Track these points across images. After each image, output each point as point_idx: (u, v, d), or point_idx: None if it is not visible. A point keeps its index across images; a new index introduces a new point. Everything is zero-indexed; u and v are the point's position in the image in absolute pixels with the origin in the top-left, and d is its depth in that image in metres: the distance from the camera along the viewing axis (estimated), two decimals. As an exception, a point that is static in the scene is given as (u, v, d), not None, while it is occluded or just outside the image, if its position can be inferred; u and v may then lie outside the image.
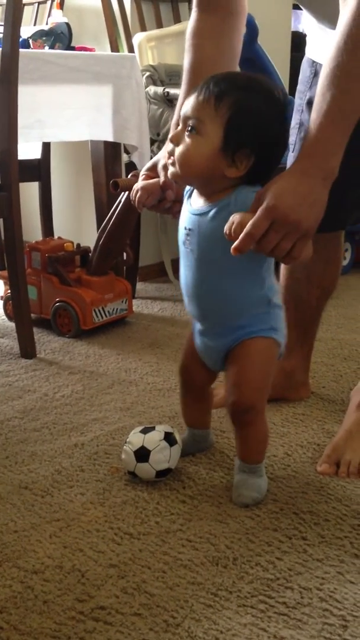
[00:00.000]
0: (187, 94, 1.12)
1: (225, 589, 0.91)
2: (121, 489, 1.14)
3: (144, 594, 0.90)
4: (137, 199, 1.11)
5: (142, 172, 1.15)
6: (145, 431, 1.15)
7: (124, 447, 1.15)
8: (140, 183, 1.12)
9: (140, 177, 1.14)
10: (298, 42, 2.90)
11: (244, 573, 0.94)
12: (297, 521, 1.06)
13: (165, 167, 1.09)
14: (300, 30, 3.13)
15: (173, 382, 1.58)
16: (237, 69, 1.22)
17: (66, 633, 0.83)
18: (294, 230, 0.94)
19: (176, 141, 0.99)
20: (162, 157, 1.12)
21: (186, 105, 1.00)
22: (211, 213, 1.00)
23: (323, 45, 1.26)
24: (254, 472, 1.12)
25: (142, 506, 1.09)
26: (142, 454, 1.12)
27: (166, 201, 1.11)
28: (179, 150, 0.99)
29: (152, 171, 1.14)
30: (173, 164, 1.00)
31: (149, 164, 1.16)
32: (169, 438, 1.14)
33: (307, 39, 1.33)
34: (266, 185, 0.97)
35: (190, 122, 0.98)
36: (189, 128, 0.98)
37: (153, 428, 1.16)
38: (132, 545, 1.00)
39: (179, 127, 1.01)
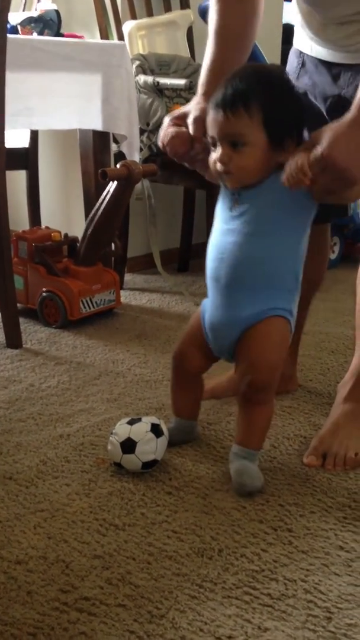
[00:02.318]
0: (214, 56, 1.17)
1: (210, 581, 0.91)
2: (107, 480, 1.14)
3: (128, 585, 0.90)
4: (171, 146, 1.14)
5: (170, 119, 1.16)
6: (131, 422, 1.15)
7: (110, 438, 1.15)
8: (172, 131, 1.14)
9: (167, 123, 1.16)
10: (289, 34, 2.88)
11: (229, 564, 0.94)
12: (283, 513, 1.06)
13: (196, 121, 1.11)
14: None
15: (160, 374, 1.57)
16: (258, 30, 1.23)
17: (49, 624, 0.83)
18: (342, 178, 0.98)
19: (228, 160, 1.03)
20: (193, 109, 1.14)
21: (215, 124, 1.04)
22: (268, 181, 1.05)
23: (310, 35, 1.25)
24: (252, 459, 1.12)
25: (128, 497, 1.09)
26: (129, 445, 1.12)
27: (193, 151, 1.13)
28: (234, 165, 1.03)
29: (181, 120, 1.14)
30: (227, 173, 1.05)
31: (176, 113, 1.16)
32: (155, 429, 1.14)
33: (295, 29, 1.32)
34: (321, 130, 1.01)
35: (232, 140, 1.03)
36: (233, 145, 1.03)
37: (140, 419, 1.15)
38: (117, 537, 0.99)
39: (222, 146, 1.03)
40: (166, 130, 1.15)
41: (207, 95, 1.12)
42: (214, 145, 1.06)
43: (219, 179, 1.09)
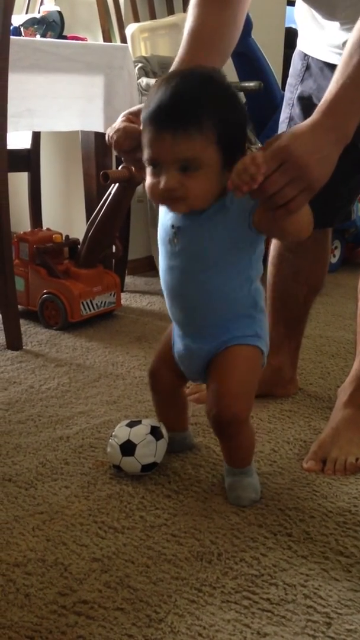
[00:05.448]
0: (183, 57, 1.11)
1: (209, 585, 0.90)
2: (106, 483, 1.13)
3: (127, 588, 0.89)
4: (115, 140, 1.05)
5: (124, 114, 1.08)
6: (131, 425, 1.14)
7: (110, 440, 1.14)
8: (120, 124, 1.06)
9: (121, 118, 1.08)
10: (291, 38, 2.89)
11: (228, 569, 0.94)
12: (283, 517, 1.05)
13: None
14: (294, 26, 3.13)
15: (160, 376, 1.57)
16: (236, 40, 1.18)
17: (47, 627, 0.82)
18: (300, 177, 0.91)
19: (180, 186, 0.92)
20: None
21: (158, 147, 0.91)
22: (208, 213, 0.97)
23: (315, 38, 1.25)
24: (245, 473, 1.10)
25: (127, 500, 1.08)
26: (128, 448, 1.11)
27: (141, 151, 1.01)
28: (188, 191, 0.92)
29: (136, 116, 1.05)
30: (182, 200, 0.93)
31: (133, 108, 1.09)
32: (155, 432, 1.13)
33: (299, 31, 1.32)
34: (278, 134, 0.95)
35: (182, 164, 0.91)
36: (184, 168, 0.91)
37: (139, 422, 1.15)
38: (116, 540, 0.99)
39: (168, 171, 0.91)
40: (116, 123, 1.08)
41: None
42: (154, 167, 0.93)
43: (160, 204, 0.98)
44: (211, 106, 0.91)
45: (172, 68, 1.12)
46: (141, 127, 0.97)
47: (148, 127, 0.93)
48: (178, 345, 1.10)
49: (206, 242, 0.99)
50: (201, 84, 0.92)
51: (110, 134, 1.06)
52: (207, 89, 0.92)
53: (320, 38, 1.23)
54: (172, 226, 1.01)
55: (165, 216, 1.04)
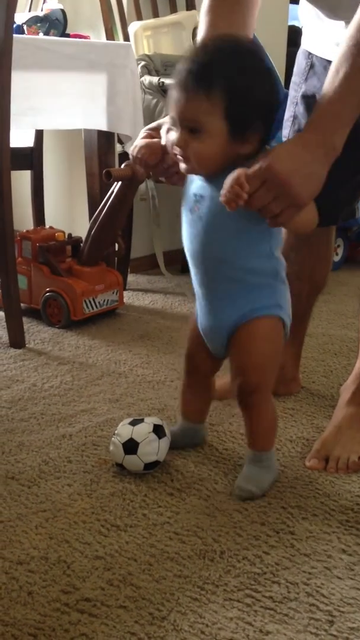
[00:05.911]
0: None
1: (212, 583, 0.91)
2: (109, 481, 1.13)
3: (129, 586, 0.89)
4: (140, 157, 1.08)
5: (145, 130, 1.12)
6: (134, 423, 1.14)
7: (113, 438, 1.15)
8: (142, 141, 1.10)
9: (142, 134, 1.11)
10: (294, 36, 2.88)
11: (231, 567, 0.94)
12: (285, 515, 1.05)
13: (168, 131, 1.06)
14: (297, 24, 3.12)
15: (163, 375, 1.57)
16: None
17: (50, 625, 0.83)
18: (283, 195, 0.94)
19: (185, 145, 0.97)
20: (167, 120, 1.08)
21: (174, 105, 0.97)
22: (222, 181, 0.98)
23: (320, 36, 1.25)
24: (261, 462, 1.11)
25: (130, 498, 1.09)
26: (131, 446, 1.12)
27: (165, 163, 1.08)
28: (191, 152, 0.97)
29: (155, 131, 1.10)
30: (186, 161, 0.99)
31: (152, 124, 1.13)
32: (157, 430, 1.14)
33: (304, 30, 1.31)
34: (271, 149, 0.97)
35: (189, 125, 0.96)
36: (191, 130, 0.96)
37: (142, 420, 1.15)
38: (118, 538, 0.99)
39: (179, 130, 0.97)
40: (138, 140, 1.12)
41: None
42: (174, 126, 0.99)
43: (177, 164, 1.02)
44: (225, 76, 0.93)
45: None
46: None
47: (172, 89, 0.98)
48: (202, 319, 1.12)
49: (222, 209, 1.00)
50: (222, 54, 0.95)
51: (134, 152, 1.10)
52: (228, 59, 0.95)
53: (325, 37, 1.23)
54: (194, 194, 1.04)
55: (189, 184, 1.07)
